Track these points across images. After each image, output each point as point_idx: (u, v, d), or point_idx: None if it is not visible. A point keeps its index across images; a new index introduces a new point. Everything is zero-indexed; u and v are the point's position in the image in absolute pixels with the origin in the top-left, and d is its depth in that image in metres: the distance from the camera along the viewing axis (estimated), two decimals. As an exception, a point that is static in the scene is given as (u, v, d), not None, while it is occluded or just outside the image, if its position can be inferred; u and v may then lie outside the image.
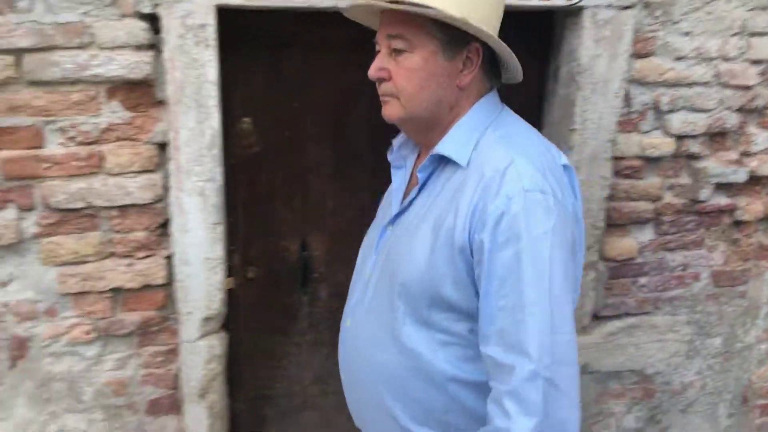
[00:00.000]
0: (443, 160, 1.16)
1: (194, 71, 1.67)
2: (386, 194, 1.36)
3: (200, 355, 1.87)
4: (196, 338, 1.86)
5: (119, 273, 1.77)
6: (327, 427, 2.38)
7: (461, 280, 1.08)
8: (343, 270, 2.21)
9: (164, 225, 1.80)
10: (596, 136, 2.01)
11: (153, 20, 1.64)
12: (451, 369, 1.13)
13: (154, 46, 1.66)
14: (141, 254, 1.79)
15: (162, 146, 1.73)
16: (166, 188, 1.76)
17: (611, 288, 2.19)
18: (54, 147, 1.66)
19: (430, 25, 1.09)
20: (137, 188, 1.72)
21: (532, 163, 1.07)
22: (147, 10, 1.62)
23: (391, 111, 1.16)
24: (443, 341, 1.12)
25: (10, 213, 1.68)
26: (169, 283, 1.82)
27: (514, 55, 1.15)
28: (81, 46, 1.60)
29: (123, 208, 1.74)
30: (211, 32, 1.66)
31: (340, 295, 2.26)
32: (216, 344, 1.89)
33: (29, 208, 1.69)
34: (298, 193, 2.06)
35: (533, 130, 1.22)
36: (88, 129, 1.67)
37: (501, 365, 1.01)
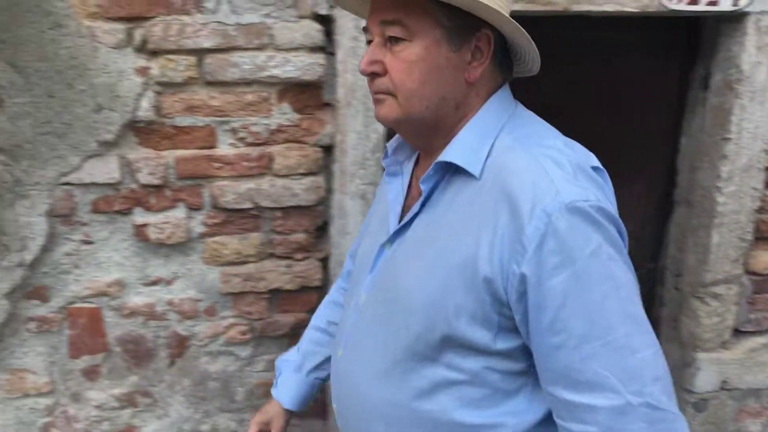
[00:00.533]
0: (450, 169, 0.97)
1: (364, 74, 1.66)
2: (377, 199, 1.19)
3: (350, 359, 1.86)
4: (348, 342, 1.84)
5: (279, 274, 1.77)
6: None
7: (482, 314, 0.90)
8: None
9: (321, 227, 1.79)
10: (751, 146, 1.95)
11: (326, 22, 1.64)
12: (455, 412, 0.95)
13: (323, 49, 1.66)
14: (299, 256, 1.78)
15: (326, 149, 1.73)
16: (328, 191, 1.75)
17: (754, 303, 2.13)
18: (225, 147, 1.67)
19: (433, 7, 0.91)
20: (302, 190, 1.72)
21: (563, 168, 0.90)
22: (323, 11, 1.62)
23: (386, 111, 0.96)
24: (449, 380, 0.95)
25: (180, 212, 1.69)
26: (323, 286, 1.81)
27: (533, 42, 0.96)
28: (260, 47, 1.61)
29: (286, 210, 1.74)
30: (383, 35, 1.65)
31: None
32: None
33: (197, 208, 1.70)
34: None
35: (554, 130, 1.02)
36: (259, 130, 1.67)
37: (576, 405, 0.86)
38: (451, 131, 0.98)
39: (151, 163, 1.63)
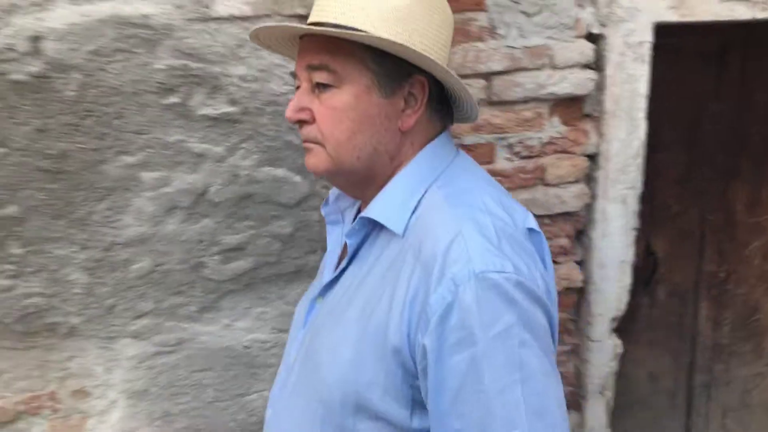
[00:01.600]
0: (377, 224, 0.90)
1: (629, 86, 1.78)
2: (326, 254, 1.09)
3: (606, 354, 1.98)
4: (604, 338, 1.96)
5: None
6: (657, 426, 2.46)
7: (394, 388, 0.82)
8: (681, 272, 2.30)
9: (580, 231, 1.91)
10: None
11: (596, 40, 1.76)
12: None
13: (593, 65, 1.77)
14: (561, 259, 1.90)
15: (590, 157, 1.84)
16: (591, 197, 1.87)
17: None
18: (502, 162, 1.79)
19: (363, 52, 0.86)
20: (571, 197, 1.84)
21: (484, 233, 0.81)
22: (595, 30, 1.74)
23: (315, 162, 0.90)
24: None
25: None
26: (582, 287, 1.93)
27: (467, 88, 0.91)
28: (540, 67, 1.73)
29: (553, 217, 1.85)
30: (647, 49, 1.77)
31: (677, 296, 2.36)
32: (618, 343, 1.99)
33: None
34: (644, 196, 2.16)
35: (492, 185, 0.95)
36: (533, 144, 1.79)
37: None
38: (385, 183, 0.92)
39: (443, 180, 1.75)
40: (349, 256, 0.93)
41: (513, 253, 0.81)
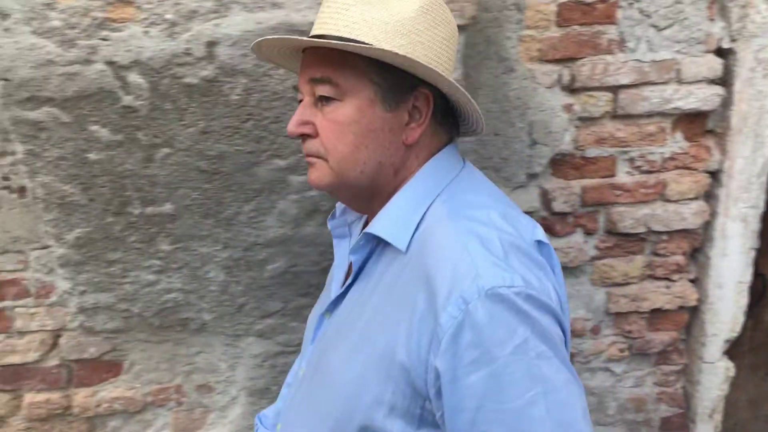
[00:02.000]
0: (382, 239, 0.88)
1: (757, 102, 1.75)
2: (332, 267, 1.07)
3: (718, 376, 1.93)
4: (716, 359, 1.91)
5: (659, 294, 1.86)
6: (757, 451, 2.38)
7: (402, 407, 0.79)
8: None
9: (696, 249, 1.87)
10: None
11: (725, 55, 1.73)
12: None
13: (720, 80, 1.75)
14: (675, 277, 1.87)
15: (711, 174, 1.81)
16: (711, 214, 1.83)
17: None
18: (623, 175, 1.78)
19: (366, 65, 0.84)
20: (691, 214, 1.81)
21: (490, 248, 0.78)
22: (726, 45, 1.71)
23: (318, 176, 0.88)
24: None
25: (579, 237, 1.80)
26: (695, 306, 1.89)
27: (472, 100, 0.89)
28: (666, 81, 1.71)
29: (671, 233, 1.83)
30: (777, 65, 1.73)
31: (787, 319, 2.29)
32: (730, 366, 1.94)
33: (592, 233, 1.81)
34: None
35: (499, 198, 0.92)
36: (654, 158, 1.77)
37: None
38: (390, 196, 0.90)
39: (564, 192, 1.75)
40: (355, 273, 0.91)
41: (521, 266, 0.78)
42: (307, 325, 1.06)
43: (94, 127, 1.24)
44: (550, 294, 0.79)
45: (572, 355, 1.89)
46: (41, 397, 1.64)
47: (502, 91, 1.63)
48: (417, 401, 0.78)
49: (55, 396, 1.65)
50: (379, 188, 0.90)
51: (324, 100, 0.86)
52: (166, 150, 1.30)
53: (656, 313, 1.90)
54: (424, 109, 0.88)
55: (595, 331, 1.88)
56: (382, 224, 0.87)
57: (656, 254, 1.86)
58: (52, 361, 1.64)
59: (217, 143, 1.30)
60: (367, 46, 0.81)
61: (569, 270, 1.83)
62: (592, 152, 1.75)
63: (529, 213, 1.75)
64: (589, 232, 1.82)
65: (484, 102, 1.63)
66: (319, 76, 0.85)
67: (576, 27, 1.64)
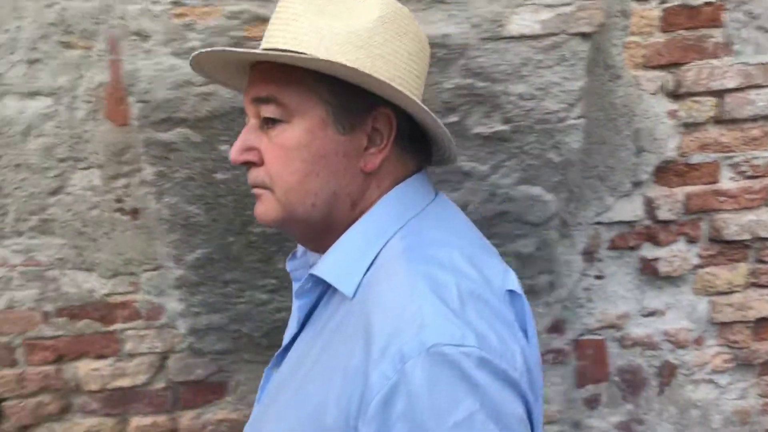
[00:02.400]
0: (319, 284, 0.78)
1: None
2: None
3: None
4: (824, 368, 1.85)
5: (765, 302, 1.81)
6: None
7: None
8: None
9: (798, 255, 1.82)
10: None
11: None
12: None
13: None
14: (781, 286, 1.82)
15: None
16: (815, 220, 1.78)
17: None
18: (727, 181, 1.74)
19: (314, 81, 0.73)
20: (799, 220, 1.76)
21: (443, 294, 0.65)
22: (832, 46, 1.67)
23: (264, 209, 0.77)
24: None
25: (681, 245, 1.76)
26: (802, 313, 1.84)
27: (440, 122, 0.76)
28: (772, 84, 1.67)
29: (777, 239, 1.78)
30: None
31: None
32: (838, 374, 1.88)
33: (694, 241, 1.76)
34: None
35: (469, 238, 0.79)
36: (759, 163, 1.73)
37: None
38: (337, 230, 0.78)
39: (668, 200, 1.71)
40: (301, 321, 0.79)
41: (480, 320, 0.64)
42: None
43: (224, 147, 1.23)
44: (513, 359, 0.64)
45: (675, 367, 1.84)
46: (148, 420, 1.63)
47: (608, 99, 1.61)
48: None
49: (161, 419, 1.64)
50: (334, 223, 0.77)
51: (269, 122, 0.74)
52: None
53: (762, 322, 1.85)
54: (385, 132, 0.76)
55: (699, 342, 1.84)
56: (327, 265, 0.75)
57: (761, 261, 1.81)
58: (159, 384, 1.62)
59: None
60: (310, 57, 0.69)
61: (671, 280, 1.79)
62: (696, 158, 1.72)
63: (626, 222, 1.72)
64: (692, 240, 1.77)
65: (591, 110, 1.60)
66: (264, 95, 0.74)
67: (681, 32, 1.61)
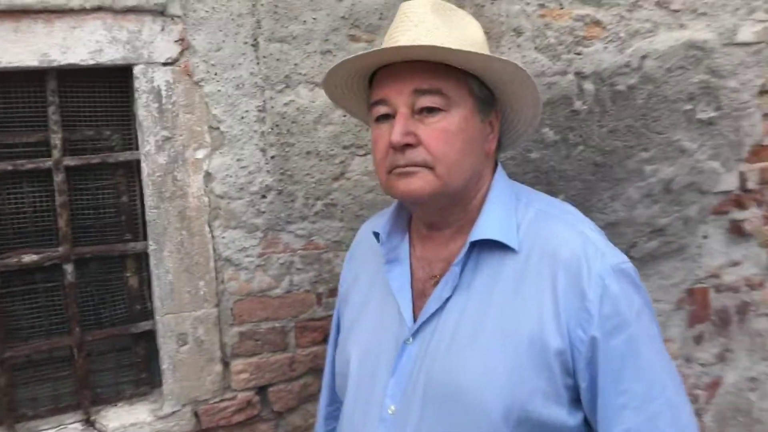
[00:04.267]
0: (478, 246, 0.91)
1: None
2: (360, 287, 1.07)
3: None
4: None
5: (801, 250, 2.40)
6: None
7: (554, 391, 0.85)
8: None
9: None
10: None
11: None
12: None
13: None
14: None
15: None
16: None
17: None
18: (783, 158, 2.29)
19: (466, 78, 0.89)
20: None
21: (596, 235, 0.91)
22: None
23: (421, 185, 0.88)
24: None
25: (755, 209, 2.28)
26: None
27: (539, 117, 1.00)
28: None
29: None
30: None
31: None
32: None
33: (762, 204, 2.30)
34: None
35: (554, 198, 1.03)
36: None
37: None
38: (468, 205, 0.94)
39: (752, 173, 2.21)
40: (454, 286, 0.90)
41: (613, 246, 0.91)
42: (362, 361, 0.98)
43: (545, 129, 1.45)
44: None
45: (748, 305, 2.36)
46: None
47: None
48: (565, 382, 0.85)
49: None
50: (466, 196, 0.93)
51: (426, 111, 0.87)
52: (581, 147, 1.53)
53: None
54: (495, 123, 0.95)
55: (762, 283, 2.37)
56: (490, 229, 0.90)
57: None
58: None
59: (614, 140, 1.57)
60: (514, 63, 0.87)
61: (747, 236, 2.30)
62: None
63: (729, 192, 2.19)
64: (760, 204, 2.30)
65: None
66: (427, 87, 0.87)
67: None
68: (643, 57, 1.49)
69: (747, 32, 1.63)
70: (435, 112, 0.88)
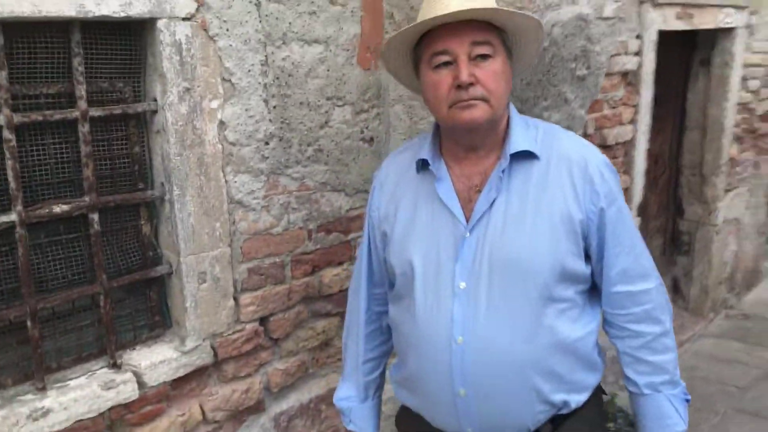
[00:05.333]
0: (513, 158, 1.21)
1: None
2: (404, 205, 1.31)
3: None
4: None
5: None
6: None
7: (578, 250, 1.21)
8: None
9: None
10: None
11: None
12: (572, 331, 1.21)
13: None
14: None
15: None
16: None
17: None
18: None
19: (499, 32, 1.18)
20: None
21: (589, 142, 1.29)
22: None
23: (480, 114, 1.16)
24: (562, 309, 1.21)
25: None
26: None
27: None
28: None
29: None
30: None
31: None
32: None
33: None
34: None
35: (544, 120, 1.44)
36: None
37: (634, 294, 1.25)
38: (497, 129, 1.23)
39: None
40: (498, 189, 1.21)
41: None
42: (425, 258, 1.25)
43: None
44: None
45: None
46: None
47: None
48: (580, 242, 1.21)
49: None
50: (500, 122, 1.23)
51: (481, 57, 1.15)
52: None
53: None
54: (511, 66, 1.24)
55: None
56: (523, 144, 1.21)
57: None
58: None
59: (529, 91, 2.00)
60: (524, 14, 1.17)
61: None
62: None
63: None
64: None
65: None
66: (481, 39, 1.15)
67: None
68: (553, 25, 1.92)
69: (609, 9, 2.17)
70: (486, 58, 1.15)
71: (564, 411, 1.26)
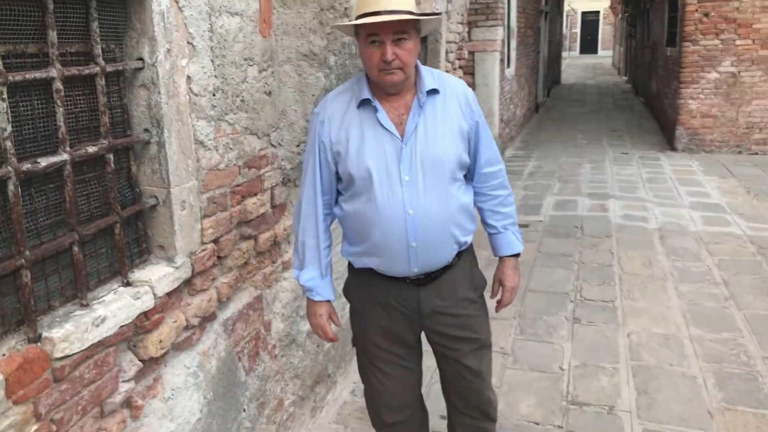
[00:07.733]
0: (428, 92, 1.89)
1: None
2: (352, 132, 1.93)
3: None
4: None
5: None
6: None
7: (466, 147, 1.96)
8: None
9: None
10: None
11: None
12: (465, 198, 1.98)
13: None
14: None
15: None
16: None
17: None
18: None
19: (413, 22, 1.80)
20: None
21: (461, 81, 2.03)
22: None
23: (398, 78, 1.82)
24: (459, 186, 1.96)
25: None
26: None
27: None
28: None
29: None
30: None
31: None
32: None
33: None
34: None
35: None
36: None
37: (494, 172, 2.07)
38: (410, 80, 1.89)
39: None
40: (419, 115, 1.90)
41: None
42: (375, 164, 1.89)
43: (331, 57, 2.51)
44: None
45: None
46: (267, 234, 2.52)
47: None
48: (467, 143, 1.97)
49: (277, 231, 2.55)
50: (411, 76, 1.89)
51: (401, 40, 1.79)
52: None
53: None
54: (420, 42, 1.90)
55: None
56: (429, 85, 1.90)
57: None
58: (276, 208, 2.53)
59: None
60: (434, 16, 2.09)
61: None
62: None
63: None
64: None
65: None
66: (400, 29, 1.78)
67: None
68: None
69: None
70: (403, 40, 1.80)
71: (463, 248, 2.06)
